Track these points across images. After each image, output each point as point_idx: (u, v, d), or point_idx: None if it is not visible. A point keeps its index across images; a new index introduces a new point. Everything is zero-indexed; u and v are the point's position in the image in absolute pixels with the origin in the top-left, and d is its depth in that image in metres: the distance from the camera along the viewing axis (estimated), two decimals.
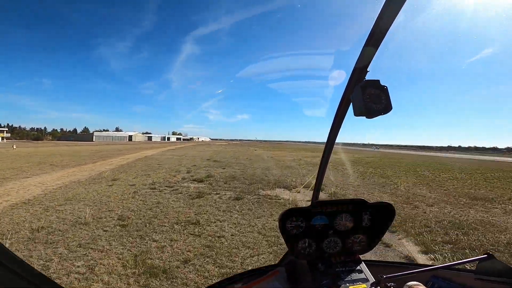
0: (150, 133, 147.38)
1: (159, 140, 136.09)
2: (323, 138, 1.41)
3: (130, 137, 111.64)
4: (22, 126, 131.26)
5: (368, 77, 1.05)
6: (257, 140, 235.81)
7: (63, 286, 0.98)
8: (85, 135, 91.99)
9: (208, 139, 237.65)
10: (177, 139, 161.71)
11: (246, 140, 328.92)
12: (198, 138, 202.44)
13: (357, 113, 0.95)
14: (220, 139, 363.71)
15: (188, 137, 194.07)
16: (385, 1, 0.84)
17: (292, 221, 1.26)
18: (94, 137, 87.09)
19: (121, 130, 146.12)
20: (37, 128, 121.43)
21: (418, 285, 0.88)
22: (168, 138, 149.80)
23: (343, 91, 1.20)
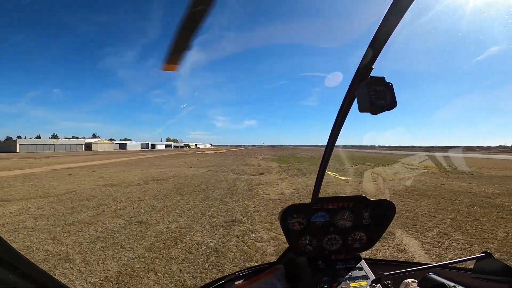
0: (130, 139, 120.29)
1: (138, 148, 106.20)
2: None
3: (89, 145, 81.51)
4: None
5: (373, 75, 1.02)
6: (264, 146, 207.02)
7: (67, 284, 0.82)
8: (7, 143, 63.27)
9: (209, 146, 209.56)
10: (166, 146, 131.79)
11: (252, 145, 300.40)
12: (195, 145, 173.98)
13: (362, 109, 0.94)
14: (226, 145, 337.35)
15: (183, 143, 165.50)
16: (392, 3, 0.85)
17: (293, 217, 1.24)
18: (17, 146, 57.93)
19: (98, 137, 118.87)
20: None
21: (414, 282, 0.95)
22: (153, 146, 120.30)
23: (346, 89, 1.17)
